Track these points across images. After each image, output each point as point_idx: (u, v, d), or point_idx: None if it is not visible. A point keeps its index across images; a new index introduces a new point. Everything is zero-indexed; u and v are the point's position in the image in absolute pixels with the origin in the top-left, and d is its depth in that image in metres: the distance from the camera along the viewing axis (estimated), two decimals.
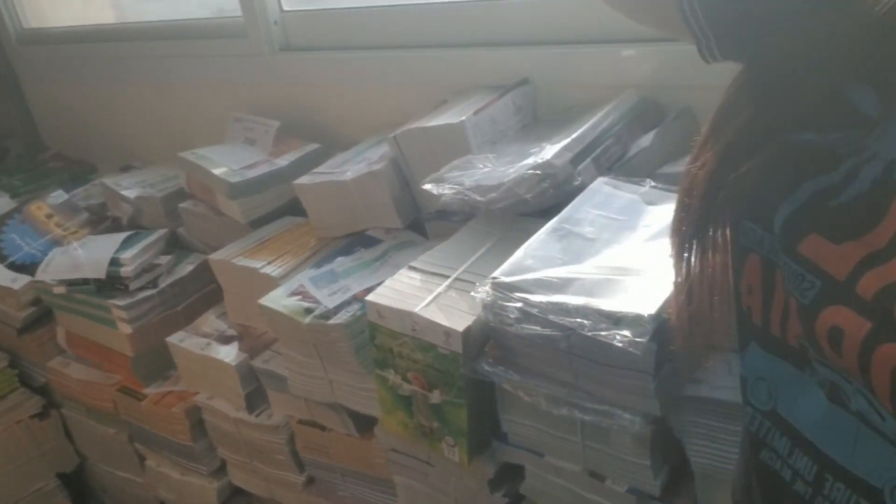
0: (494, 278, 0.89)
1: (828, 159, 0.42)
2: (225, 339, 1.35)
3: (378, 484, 1.22)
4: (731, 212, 0.49)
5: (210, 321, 1.41)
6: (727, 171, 0.46)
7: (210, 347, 1.33)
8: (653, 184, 1.02)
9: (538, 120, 1.35)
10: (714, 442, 0.85)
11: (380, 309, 0.97)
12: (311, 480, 1.33)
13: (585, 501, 0.96)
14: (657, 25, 0.63)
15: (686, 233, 0.51)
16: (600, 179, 1.05)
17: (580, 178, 1.06)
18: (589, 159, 1.09)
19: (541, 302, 0.84)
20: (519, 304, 0.86)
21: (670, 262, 0.55)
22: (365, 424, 1.18)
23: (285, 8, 1.64)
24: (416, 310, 0.94)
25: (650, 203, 0.99)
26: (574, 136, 1.10)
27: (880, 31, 0.38)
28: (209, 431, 1.42)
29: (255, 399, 1.31)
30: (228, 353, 1.31)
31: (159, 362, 1.45)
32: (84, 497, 1.92)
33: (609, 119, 1.16)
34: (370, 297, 0.98)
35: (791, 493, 0.46)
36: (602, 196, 1.02)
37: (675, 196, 0.95)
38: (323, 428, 1.23)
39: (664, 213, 0.97)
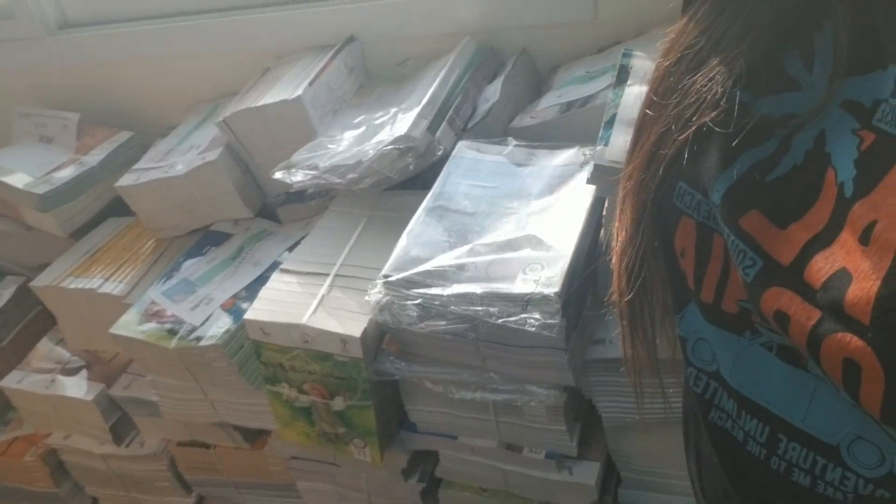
0: (386, 276, 0.84)
1: (761, 128, 0.42)
2: (71, 371, 1.21)
3: (278, 490, 1.17)
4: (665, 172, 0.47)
5: (45, 352, 1.26)
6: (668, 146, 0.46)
7: (56, 384, 1.18)
8: (515, 142, 1.00)
9: (372, 79, 1.28)
10: (621, 396, 0.88)
11: (263, 326, 0.90)
12: (201, 499, 1.25)
13: (505, 473, 0.96)
14: None
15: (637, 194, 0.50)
16: (461, 144, 1.02)
17: (441, 147, 1.02)
18: (444, 123, 1.04)
19: (441, 295, 0.81)
20: (418, 301, 0.82)
21: (612, 224, 0.53)
22: (254, 433, 1.11)
23: None
24: (304, 320, 0.88)
25: (519, 164, 0.97)
26: (424, 101, 1.05)
27: None
28: (72, 472, 1.29)
29: (121, 429, 1.20)
30: (80, 387, 1.17)
31: None
32: None
33: (454, 75, 1.11)
34: (249, 315, 0.91)
35: (746, 454, 0.47)
36: (468, 162, 0.99)
37: (540, 153, 0.95)
38: (207, 445, 1.15)
39: (534, 174, 0.95)
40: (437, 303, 0.81)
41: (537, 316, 0.77)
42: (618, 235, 0.52)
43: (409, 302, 0.82)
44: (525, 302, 0.78)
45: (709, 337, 0.47)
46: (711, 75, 0.44)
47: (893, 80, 0.38)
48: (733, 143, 0.43)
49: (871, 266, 0.35)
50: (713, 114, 0.43)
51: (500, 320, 0.78)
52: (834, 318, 0.36)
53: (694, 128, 0.44)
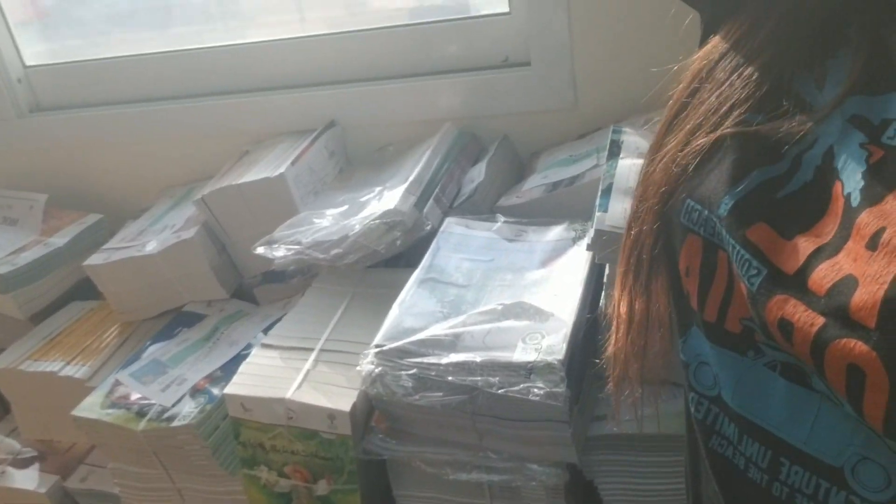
0: (379, 346, 0.80)
1: (773, 149, 0.43)
2: (22, 463, 1.12)
3: None
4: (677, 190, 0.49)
5: None
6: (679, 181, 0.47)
7: (6, 476, 1.09)
8: (504, 219, 1.00)
9: (352, 163, 1.28)
10: (626, 476, 0.84)
11: (243, 401, 0.85)
12: None
13: None
14: None
15: (637, 257, 0.52)
16: (450, 220, 1.01)
17: (429, 222, 1.00)
18: (431, 200, 1.04)
19: (438, 364, 0.77)
20: (413, 371, 0.78)
21: (613, 294, 0.55)
22: None
23: (28, 63, 1.43)
24: (289, 395, 0.83)
25: (509, 240, 0.96)
26: (411, 178, 1.04)
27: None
28: None
29: None
30: (31, 479, 1.09)
31: None
32: None
33: (438, 156, 1.11)
34: (229, 390, 0.85)
35: (747, 482, 0.45)
36: (457, 238, 0.98)
37: (531, 230, 0.95)
38: None
39: (526, 249, 0.94)
40: (433, 373, 0.78)
41: (541, 385, 0.73)
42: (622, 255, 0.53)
43: (403, 372, 0.79)
44: (528, 370, 0.75)
45: (711, 359, 0.47)
46: (726, 96, 0.46)
47: None
48: (745, 161, 0.44)
49: (878, 270, 0.35)
50: (726, 132, 0.45)
51: (502, 390, 0.74)
52: (839, 323, 0.35)
53: (705, 144, 0.46)
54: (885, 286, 0.34)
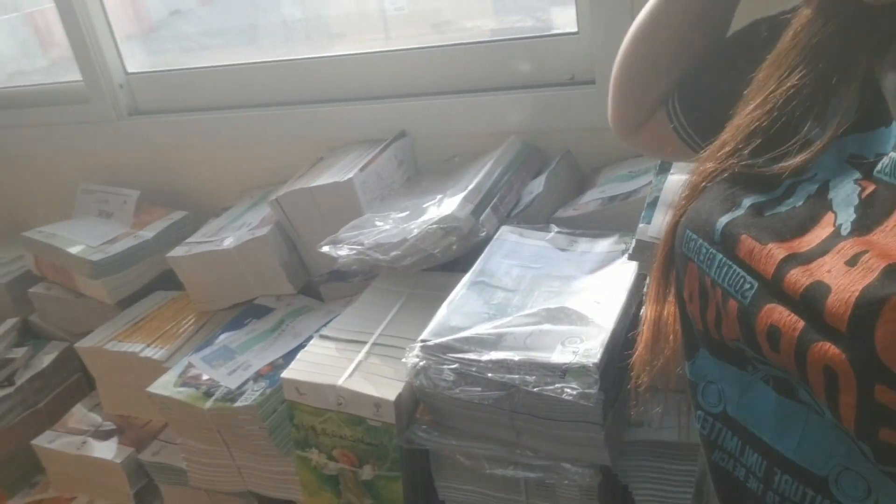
0: (424, 341, 0.85)
1: (772, 181, 0.47)
2: (103, 435, 1.21)
3: None
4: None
5: (80, 416, 1.27)
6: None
7: (87, 446, 1.19)
8: (557, 229, 1.03)
9: (420, 172, 1.33)
10: (661, 484, 0.85)
11: (298, 385, 0.91)
12: None
13: None
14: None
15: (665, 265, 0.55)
16: (504, 228, 1.05)
17: (484, 230, 1.05)
18: (489, 209, 1.08)
19: (478, 360, 0.82)
20: (454, 366, 0.83)
21: (647, 296, 0.59)
22: None
23: (130, 70, 1.54)
24: (340, 382, 0.89)
25: (561, 249, 1.00)
26: (470, 187, 1.09)
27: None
28: None
29: (145, 497, 1.18)
30: (109, 450, 1.18)
31: (23, 469, 1.29)
32: None
33: (499, 167, 1.16)
34: (286, 374, 0.92)
35: (747, 492, 0.48)
36: (510, 245, 1.02)
37: (582, 241, 0.98)
38: None
39: (575, 258, 0.97)
40: (473, 368, 0.82)
41: (575, 385, 0.77)
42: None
43: (445, 366, 0.83)
44: (563, 371, 0.78)
45: (717, 376, 0.50)
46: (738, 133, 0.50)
47: (895, 136, 0.42)
48: (739, 191, 0.48)
49: (852, 281, 0.37)
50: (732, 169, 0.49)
51: (537, 388, 0.78)
52: (816, 328, 0.38)
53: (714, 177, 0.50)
54: (857, 293, 0.37)
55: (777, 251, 0.42)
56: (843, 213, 0.42)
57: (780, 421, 0.45)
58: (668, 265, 0.55)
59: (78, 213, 1.48)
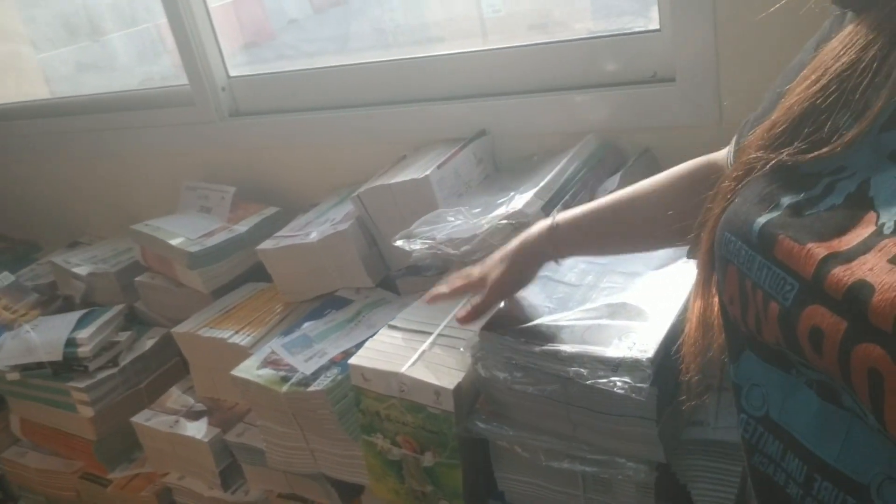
0: (484, 331, 0.87)
1: (809, 180, 0.46)
2: (194, 415, 1.29)
3: None
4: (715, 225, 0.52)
5: (175, 397, 1.36)
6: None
7: (179, 425, 1.27)
8: None
9: (499, 170, 1.35)
10: (719, 484, 0.84)
11: (364, 372, 0.94)
12: None
13: None
14: None
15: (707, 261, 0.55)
16: None
17: None
18: (560, 206, 1.09)
19: (534, 351, 0.83)
20: (512, 357, 0.84)
21: (693, 290, 0.59)
22: (349, 492, 1.14)
23: (232, 74, 1.63)
24: (403, 370, 0.92)
25: None
26: (542, 184, 1.10)
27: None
28: None
29: (230, 475, 1.26)
30: (199, 429, 1.25)
31: (123, 444, 1.39)
32: None
33: (573, 165, 1.16)
34: (353, 361, 0.96)
35: (786, 497, 0.47)
36: None
37: None
38: (304, 500, 1.19)
39: (644, 254, 0.97)
40: (529, 360, 0.83)
41: (627, 379, 0.77)
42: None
43: (502, 357, 0.85)
44: (616, 365, 0.78)
45: (762, 379, 0.49)
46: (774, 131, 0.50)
47: None
48: (776, 189, 0.47)
49: None
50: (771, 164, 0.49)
51: (590, 381, 0.79)
52: (860, 329, 0.37)
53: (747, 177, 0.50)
54: None
55: (817, 250, 0.41)
56: (886, 212, 0.41)
57: (822, 426, 0.44)
58: (711, 261, 0.54)
59: (181, 208, 1.58)
